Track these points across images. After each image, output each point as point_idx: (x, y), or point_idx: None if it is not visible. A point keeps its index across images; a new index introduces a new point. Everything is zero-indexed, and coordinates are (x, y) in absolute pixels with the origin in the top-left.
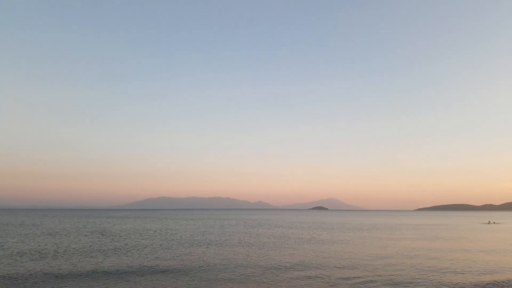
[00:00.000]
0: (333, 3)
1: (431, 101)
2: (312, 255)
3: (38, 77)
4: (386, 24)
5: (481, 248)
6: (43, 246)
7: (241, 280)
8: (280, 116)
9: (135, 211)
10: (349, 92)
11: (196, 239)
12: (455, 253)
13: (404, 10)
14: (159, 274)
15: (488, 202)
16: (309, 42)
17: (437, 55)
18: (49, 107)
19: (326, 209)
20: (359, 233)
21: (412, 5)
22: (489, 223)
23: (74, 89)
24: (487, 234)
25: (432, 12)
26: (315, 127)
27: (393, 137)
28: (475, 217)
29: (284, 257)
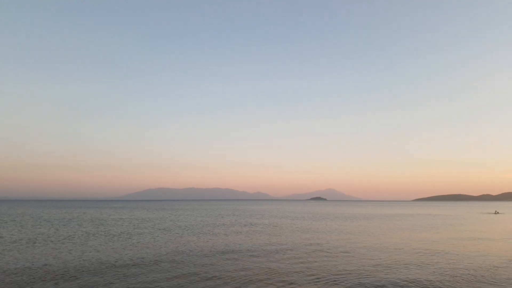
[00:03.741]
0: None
1: (427, 94)
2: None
3: (41, 72)
4: (388, 20)
5: None
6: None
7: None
8: (280, 109)
9: (134, 202)
10: (347, 85)
11: (186, 229)
12: None
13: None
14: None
15: (485, 193)
16: (308, 38)
17: (434, 50)
18: (51, 102)
19: (325, 199)
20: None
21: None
22: (495, 213)
23: (77, 84)
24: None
25: (437, 6)
26: (314, 120)
27: (390, 129)
28: (475, 207)
29: (273, 245)
